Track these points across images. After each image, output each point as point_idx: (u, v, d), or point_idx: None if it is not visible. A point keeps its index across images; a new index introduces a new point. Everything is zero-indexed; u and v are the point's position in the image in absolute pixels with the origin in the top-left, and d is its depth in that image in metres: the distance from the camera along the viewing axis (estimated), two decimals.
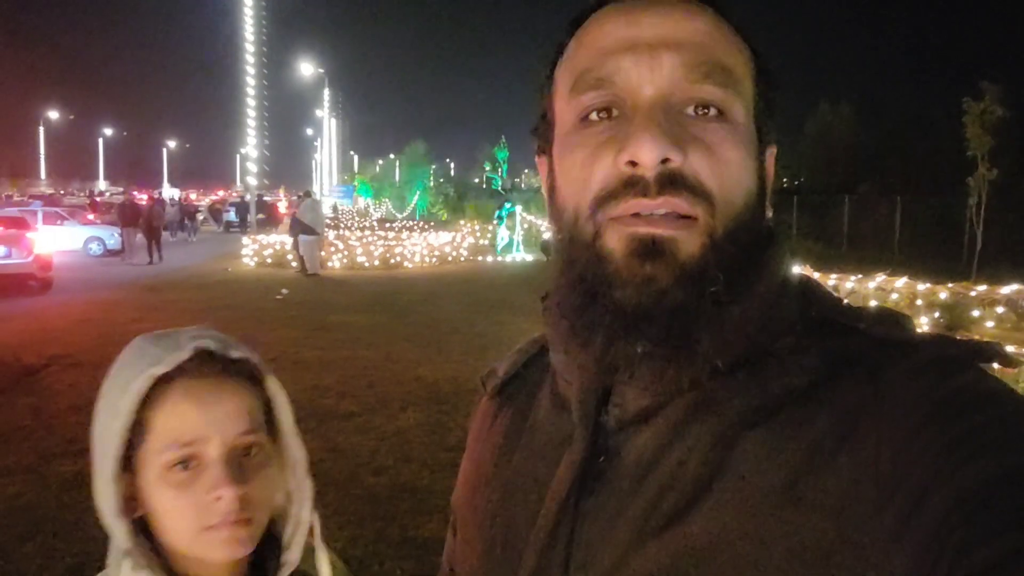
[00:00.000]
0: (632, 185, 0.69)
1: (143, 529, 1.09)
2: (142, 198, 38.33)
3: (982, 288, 12.65)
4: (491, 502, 0.84)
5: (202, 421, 1.05)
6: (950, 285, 12.87)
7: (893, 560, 0.57)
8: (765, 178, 0.77)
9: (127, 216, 24.79)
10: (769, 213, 0.79)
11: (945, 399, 0.61)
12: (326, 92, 73.78)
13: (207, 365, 1.08)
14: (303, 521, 1.19)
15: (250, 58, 34.77)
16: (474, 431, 0.95)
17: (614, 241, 0.70)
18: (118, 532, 1.07)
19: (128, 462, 1.07)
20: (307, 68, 62.01)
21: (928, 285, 12.82)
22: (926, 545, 0.55)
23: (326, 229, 25.80)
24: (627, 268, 0.69)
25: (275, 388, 1.15)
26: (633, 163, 0.69)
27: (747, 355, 0.70)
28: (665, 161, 0.68)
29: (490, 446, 0.89)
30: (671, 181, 0.68)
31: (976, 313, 11.51)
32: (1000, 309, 11.77)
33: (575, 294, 0.74)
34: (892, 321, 0.71)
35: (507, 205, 26.17)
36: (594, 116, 0.74)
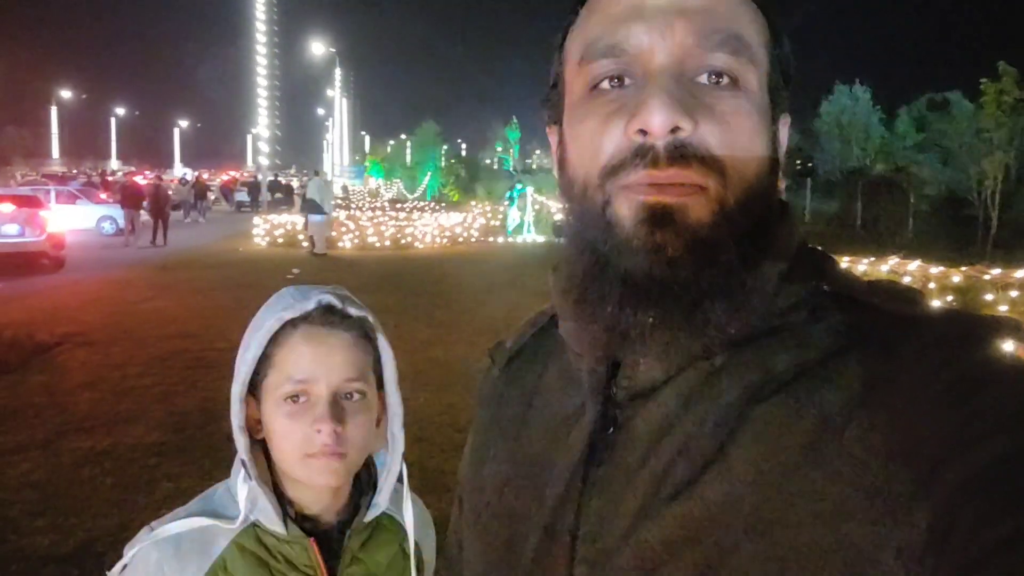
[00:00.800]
0: (642, 155, 0.68)
1: (265, 450, 1.28)
2: (147, 178, 37.62)
3: (996, 271, 12.56)
4: (499, 475, 0.83)
5: (314, 363, 1.22)
6: (963, 268, 12.80)
7: (904, 529, 0.57)
8: (778, 148, 0.76)
9: (128, 198, 23.55)
10: (782, 185, 0.78)
11: (961, 374, 0.60)
12: (337, 72, 73.64)
13: (328, 317, 1.25)
14: (394, 469, 1.37)
15: (261, 37, 34.72)
16: (481, 404, 0.95)
17: (624, 209, 0.69)
18: (240, 445, 1.25)
19: (256, 389, 1.26)
20: (318, 48, 61.88)
21: (941, 268, 12.75)
22: (939, 516, 0.55)
23: (337, 209, 25.82)
24: (637, 236, 0.68)
25: (384, 346, 1.31)
26: (643, 132, 0.68)
27: (760, 327, 0.69)
28: (676, 130, 0.67)
29: (498, 419, 0.89)
30: (681, 152, 0.67)
31: (990, 297, 11.43)
32: (1014, 293, 11.68)
33: (585, 263, 0.73)
34: (907, 297, 0.70)
35: (518, 186, 26.11)
36: (605, 84, 0.73)
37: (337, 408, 1.21)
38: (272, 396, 1.24)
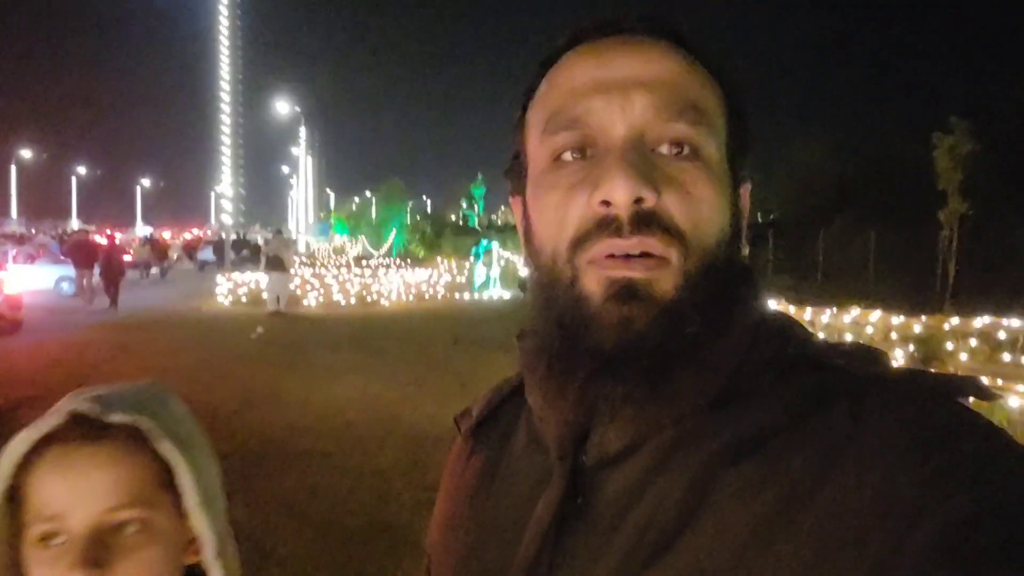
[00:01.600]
0: (606, 225, 0.69)
1: None
2: (107, 236, 36.67)
3: (955, 321, 12.78)
4: (466, 544, 0.82)
5: (65, 494, 0.96)
6: (924, 318, 12.99)
7: None
8: (739, 215, 0.78)
9: (81, 257, 21.55)
10: (745, 250, 0.79)
11: (925, 432, 0.61)
12: (302, 130, 73.93)
13: (82, 430, 0.98)
14: None
15: (226, 96, 34.83)
16: (448, 472, 0.94)
17: (592, 284, 0.70)
18: None
19: (18, 529, 0.99)
20: (283, 106, 62.19)
21: (902, 318, 12.92)
22: None
23: (301, 267, 25.68)
24: (605, 311, 0.69)
25: (173, 456, 1.02)
26: (607, 203, 0.69)
27: (726, 392, 0.70)
28: (639, 201, 0.68)
29: (464, 487, 0.88)
30: (645, 221, 0.69)
31: (950, 346, 11.59)
32: (973, 341, 11.87)
33: (553, 336, 0.74)
34: (870, 357, 0.71)
35: (483, 242, 26.24)
36: (567, 156, 0.74)
37: (97, 549, 0.94)
38: (26, 536, 0.98)
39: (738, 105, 0.79)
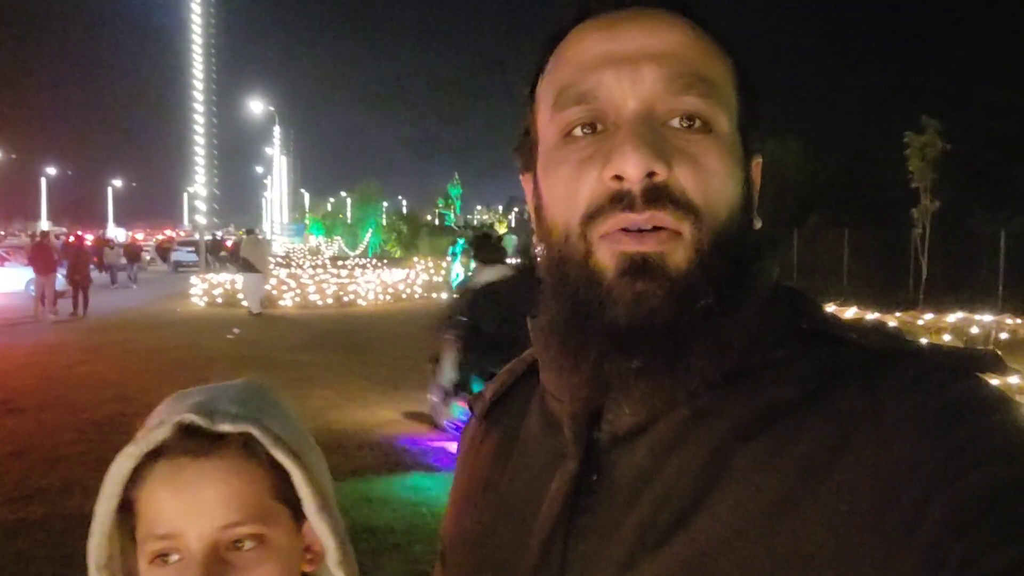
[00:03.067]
0: (618, 200, 0.69)
1: None
2: (78, 237, 35.21)
3: (928, 316, 12.94)
4: (481, 524, 0.82)
5: (178, 512, 0.92)
6: (898, 314, 13.15)
7: (895, 568, 0.56)
8: (751, 188, 0.77)
9: (40, 261, 18.88)
10: (757, 224, 0.78)
11: (945, 407, 0.61)
12: (276, 130, 73.56)
13: (189, 444, 0.93)
14: None
15: (199, 95, 34.53)
16: (462, 455, 0.93)
17: (606, 259, 0.70)
18: None
19: (134, 542, 0.96)
20: (257, 106, 61.82)
21: (877, 315, 13.06)
22: (928, 554, 0.55)
23: (277, 267, 25.51)
24: (619, 286, 0.68)
25: (286, 462, 0.96)
26: (619, 177, 0.68)
27: (740, 367, 0.70)
28: (651, 175, 0.68)
29: (479, 468, 0.87)
30: (656, 195, 0.68)
31: (924, 341, 11.72)
32: (947, 337, 12.01)
33: (565, 312, 0.73)
34: (885, 332, 0.71)
35: (460, 241, 26.25)
36: (578, 131, 0.73)
37: (218, 567, 0.91)
38: (142, 552, 0.94)
39: (748, 77, 0.78)
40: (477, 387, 5.06)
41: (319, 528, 0.98)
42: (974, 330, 11.97)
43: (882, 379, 0.65)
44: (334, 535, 0.99)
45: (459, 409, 6.99)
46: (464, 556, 0.83)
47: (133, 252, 32.86)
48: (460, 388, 6.82)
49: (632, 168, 0.67)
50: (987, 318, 12.50)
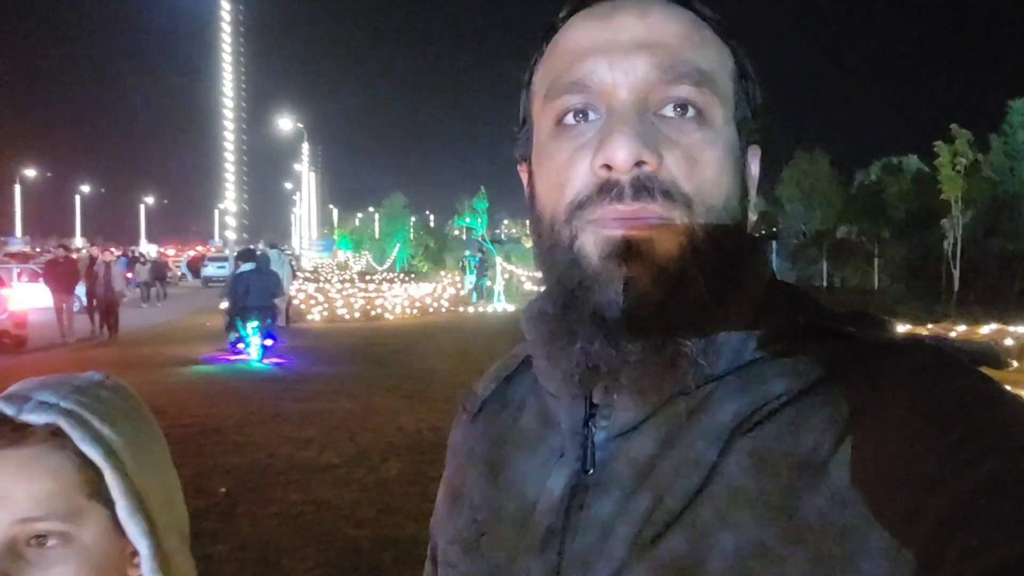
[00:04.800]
0: (607, 190, 0.68)
1: None
2: (109, 252, 34.38)
3: (961, 328, 12.76)
4: (476, 521, 0.80)
5: None
6: (930, 326, 12.98)
7: (895, 561, 0.56)
8: (747, 179, 0.76)
9: (58, 279, 17.66)
10: (753, 216, 0.78)
11: (945, 401, 0.60)
12: (305, 146, 74.26)
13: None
14: None
15: (229, 113, 34.91)
16: (452, 452, 0.92)
17: (590, 244, 0.69)
18: None
19: None
20: (286, 123, 62.46)
21: (909, 327, 12.90)
22: (927, 547, 0.54)
23: (305, 282, 25.69)
24: (604, 270, 0.68)
25: (100, 460, 0.91)
26: (608, 167, 0.68)
27: (737, 360, 0.69)
28: (640, 164, 0.67)
29: (471, 466, 0.86)
30: (646, 186, 0.67)
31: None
32: None
33: (553, 300, 0.73)
34: (880, 325, 0.70)
35: (467, 254, 26.57)
36: (569, 119, 0.73)
37: (11, 562, 0.85)
38: None
39: (746, 67, 0.77)
40: (238, 325, 13.41)
41: (130, 531, 0.92)
42: (1008, 342, 11.78)
43: (882, 372, 0.64)
44: (148, 540, 0.93)
45: (233, 336, 13.83)
46: (457, 554, 0.82)
47: (159, 269, 32.02)
48: (230, 326, 13.72)
49: (621, 157, 0.67)
50: (1021, 329, 12.31)
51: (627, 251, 0.67)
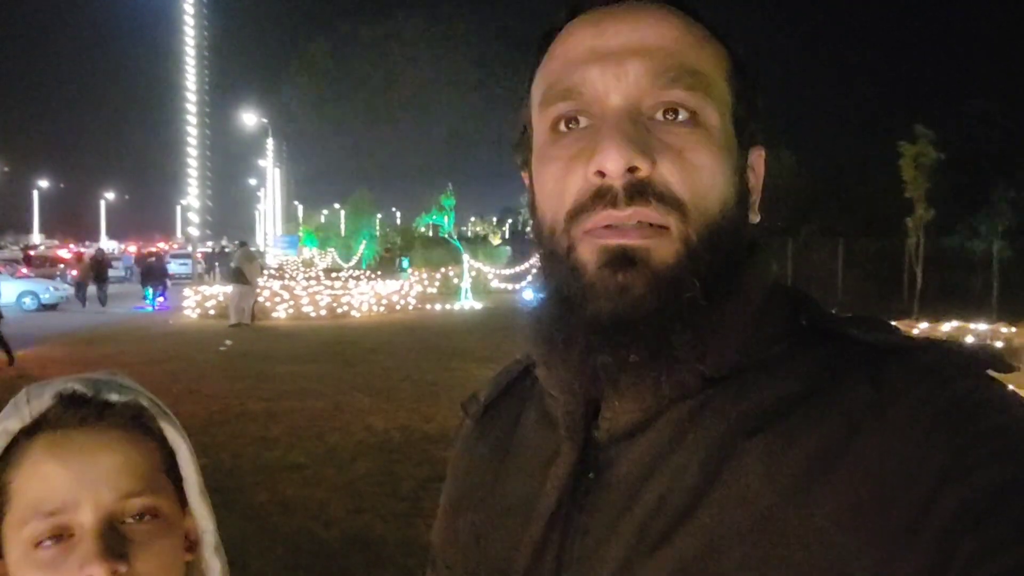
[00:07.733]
0: (601, 196, 0.69)
1: None
2: (71, 251, 31.99)
3: (923, 325, 12.96)
4: (475, 524, 0.81)
5: (70, 482, 0.84)
6: (892, 323, 13.17)
7: (901, 565, 0.56)
8: (746, 181, 0.76)
9: None
10: (755, 218, 0.78)
11: (951, 405, 0.61)
12: (269, 142, 73.57)
13: (76, 413, 0.88)
14: None
15: (191, 107, 34.50)
16: (455, 458, 0.92)
17: (587, 253, 0.70)
18: None
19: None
20: (250, 118, 61.81)
21: None
22: (935, 551, 0.54)
23: (270, 279, 25.51)
24: (600, 279, 0.69)
25: (175, 436, 0.92)
26: (601, 173, 0.68)
27: (739, 363, 0.69)
28: (633, 170, 0.67)
29: (473, 470, 0.86)
30: (639, 191, 0.68)
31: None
32: None
33: (553, 307, 0.74)
34: (883, 327, 0.71)
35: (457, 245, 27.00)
36: (563, 127, 0.74)
37: (115, 540, 0.83)
38: (17, 543, 0.85)
39: (744, 67, 0.77)
40: (146, 293, 25.71)
41: (199, 509, 0.95)
42: (969, 339, 11.99)
43: (887, 375, 0.64)
44: (212, 517, 0.97)
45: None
46: (458, 557, 0.82)
47: (100, 268, 27.09)
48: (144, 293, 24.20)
49: (612, 163, 0.67)
50: (982, 327, 12.53)
51: (622, 260, 0.68)
